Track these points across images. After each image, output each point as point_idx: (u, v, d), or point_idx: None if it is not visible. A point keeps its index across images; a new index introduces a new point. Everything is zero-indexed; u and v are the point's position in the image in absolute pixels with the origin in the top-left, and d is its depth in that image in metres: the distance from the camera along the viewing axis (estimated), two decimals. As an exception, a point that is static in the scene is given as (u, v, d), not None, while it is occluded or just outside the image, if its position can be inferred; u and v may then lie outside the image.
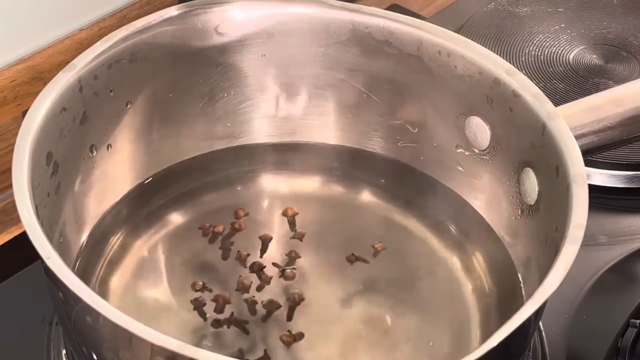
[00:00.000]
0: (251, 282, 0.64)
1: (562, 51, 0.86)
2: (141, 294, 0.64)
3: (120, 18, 0.75)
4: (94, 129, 0.64)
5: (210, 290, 0.63)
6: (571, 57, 0.85)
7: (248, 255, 0.65)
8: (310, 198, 0.71)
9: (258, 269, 0.64)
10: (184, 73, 0.68)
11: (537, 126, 0.61)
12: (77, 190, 0.63)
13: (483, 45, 0.65)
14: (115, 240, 0.66)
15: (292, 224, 0.68)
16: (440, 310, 0.64)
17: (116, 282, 0.64)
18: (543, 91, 0.62)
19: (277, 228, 0.68)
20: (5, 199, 0.73)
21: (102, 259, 0.65)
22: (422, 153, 0.70)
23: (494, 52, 0.65)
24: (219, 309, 0.62)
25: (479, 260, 0.66)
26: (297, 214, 0.68)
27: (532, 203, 0.62)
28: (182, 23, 0.66)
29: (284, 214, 0.68)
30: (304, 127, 0.72)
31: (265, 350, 0.60)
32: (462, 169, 0.68)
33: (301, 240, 0.67)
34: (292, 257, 0.66)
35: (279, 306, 0.62)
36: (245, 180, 0.71)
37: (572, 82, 0.83)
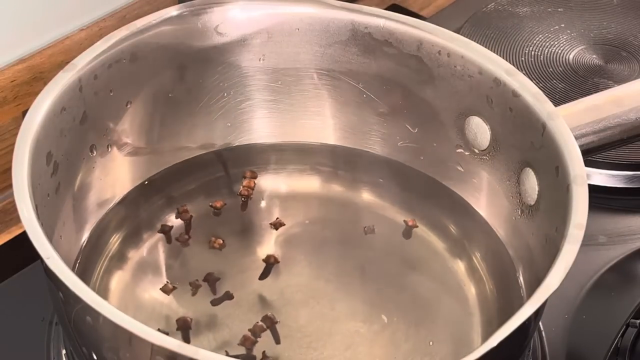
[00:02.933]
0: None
1: (562, 51, 0.86)
2: (141, 294, 0.64)
3: (120, 18, 0.75)
4: (94, 129, 0.64)
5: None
6: (571, 57, 0.85)
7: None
8: (310, 198, 0.71)
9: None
10: (183, 73, 0.68)
11: (537, 126, 0.61)
12: (77, 190, 0.63)
13: (483, 45, 0.65)
14: (115, 240, 0.66)
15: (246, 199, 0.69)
16: (440, 310, 0.64)
17: (116, 282, 0.64)
18: (543, 91, 0.62)
19: (274, 229, 0.68)
20: (5, 199, 0.73)
21: (102, 259, 0.65)
22: (422, 153, 0.70)
23: (494, 52, 0.65)
24: (184, 337, 0.61)
25: (478, 260, 0.66)
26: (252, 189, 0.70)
27: (532, 203, 0.62)
28: (182, 23, 0.66)
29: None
30: (303, 127, 0.72)
31: (263, 352, 0.60)
32: (462, 169, 0.68)
33: (276, 229, 0.68)
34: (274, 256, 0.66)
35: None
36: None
37: (572, 82, 0.83)
